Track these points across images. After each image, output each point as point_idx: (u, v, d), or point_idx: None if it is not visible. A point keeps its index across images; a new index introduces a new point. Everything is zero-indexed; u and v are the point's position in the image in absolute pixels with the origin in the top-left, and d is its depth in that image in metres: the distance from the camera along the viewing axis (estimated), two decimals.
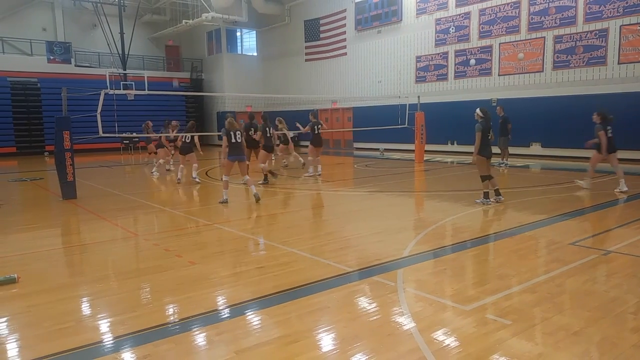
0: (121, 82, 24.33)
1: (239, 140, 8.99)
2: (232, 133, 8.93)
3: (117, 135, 16.55)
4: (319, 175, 12.85)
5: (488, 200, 8.38)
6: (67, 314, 3.97)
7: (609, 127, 9.39)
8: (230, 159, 9.04)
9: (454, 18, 19.71)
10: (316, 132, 12.81)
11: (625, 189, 9.32)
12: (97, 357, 3.23)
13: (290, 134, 14.59)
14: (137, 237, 6.81)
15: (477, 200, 8.52)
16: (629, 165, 14.17)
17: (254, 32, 30.54)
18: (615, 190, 9.46)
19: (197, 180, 12.09)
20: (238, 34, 31.03)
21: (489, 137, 8.36)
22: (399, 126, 17.91)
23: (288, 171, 14.38)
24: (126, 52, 26.35)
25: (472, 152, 8.49)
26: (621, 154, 15.06)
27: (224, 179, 9.18)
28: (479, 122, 8.27)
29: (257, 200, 8.96)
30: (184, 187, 11.85)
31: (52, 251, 6.17)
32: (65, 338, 3.49)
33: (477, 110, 8.41)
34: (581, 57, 16.19)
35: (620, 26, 15.18)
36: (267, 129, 11.51)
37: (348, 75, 24.68)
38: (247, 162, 9.65)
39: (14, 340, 3.52)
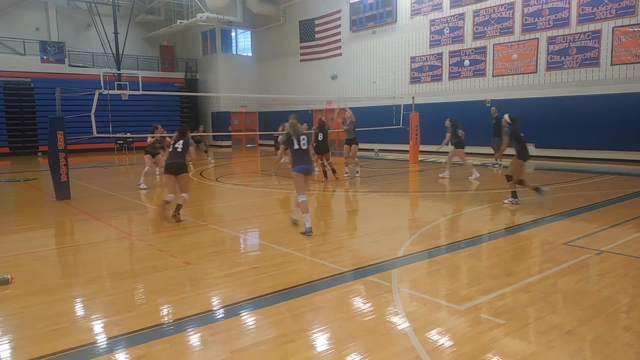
0: (115, 82, 24.24)
1: (304, 147, 6.83)
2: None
3: (111, 135, 16.47)
4: (358, 174, 12.86)
5: (516, 200, 8.55)
6: (61, 314, 3.95)
7: (458, 130, 11.95)
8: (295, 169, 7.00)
9: (449, 19, 19.79)
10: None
11: (474, 177, 11.86)
12: (92, 358, 3.22)
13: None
14: (131, 238, 6.79)
15: (506, 201, 8.65)
16: (621, 166, 14.28)
17: (249, 32, 30.52)
18: (468, 178, 11.91)
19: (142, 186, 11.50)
20: (233, 34, 31.00)
21: (524, 140, 8.55)
22: (394, 127, 17.95)
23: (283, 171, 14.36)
24: (120, 52, 26.25)
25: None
26: (613, 155, 15.28)
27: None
28: (507, 127, 8.55)
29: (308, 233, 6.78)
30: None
31: (46, 252, 6.14)
32: (59, 339, 3.48)
33: (505, 116, 8.73)
34: (574, 58, 16.30)
35: (613, 28, 15.29)
36: (321, 132, 11.97)
37: (343, 75, 24.70)
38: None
39: (7, 341, 3.50)
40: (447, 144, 12.25)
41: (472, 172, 12.03)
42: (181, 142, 7.76)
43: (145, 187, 11.37)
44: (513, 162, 8.60)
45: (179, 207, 7.55)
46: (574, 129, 16.28)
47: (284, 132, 10.85)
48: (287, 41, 27.57)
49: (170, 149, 7.88)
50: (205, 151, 17.95)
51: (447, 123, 12.21)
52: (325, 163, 12.29)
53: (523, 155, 8.45)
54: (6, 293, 4.47)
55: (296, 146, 6.72)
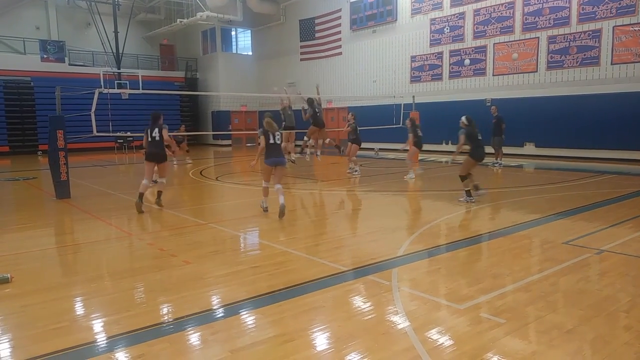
0: (115, 81, 24.22)
1: (278, 142, 7.63)
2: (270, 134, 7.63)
3: (111, 134, 16.46)
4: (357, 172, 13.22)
5: (471, 198, 8.70)
6: (61, 313, 3.95)
7: (417, 129, 12.35)
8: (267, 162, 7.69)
9: (449, 18, 19.78)
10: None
11: (409, 177, 12.15)
12: (91, 357, 3.22)
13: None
14: (131, 237, 6.79)
15: (460, 199, 8.78)
16: (621, 165, 14.27)
17: (249, 31, 30.50)
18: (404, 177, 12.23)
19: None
20: (233, 33, 30.98)
21: (480, 140, 8.70)
22: (394, 126, 17.94)
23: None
24: (120, 51, 26.23)
25: (467, 152, 8.75)
26: (613, 154, 15.28)
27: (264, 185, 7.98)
28: (463, 128, 8.66)
29: (282, 214, 7.53)
30: (177, 187, 11.81)
31: (46, 251, 6.14)
32: (59, 338, 3.48)
33: (463, 118, 8.83)
34: (575, 58, 16.29)
35: (613, 27, 15.28)
36: (316, 110, 13.01)
37: (343, 74, 24.69)
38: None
39: (7, 340, 3.50)
40: (412, 144, 12.42)
41: (409, 172, 12.33)
42: (157, 130, 8.36)
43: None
44: (465, 160, 8.78)
45: (160, 193, 8.63)
46: (574, 128, 16.28)
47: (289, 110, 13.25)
48: (287, 40, 27.55)
49: (149, 139, 8.37)
50: (187, 151, 17.92)
51: (407, 123, 12.50)
52: (326, 141, 13.19)
53: (475, 154, 8.63)
54: (6, 292, 4.46)
55: (271, 140, 7.57)
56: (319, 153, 13.85)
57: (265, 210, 7.90)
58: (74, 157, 13.34)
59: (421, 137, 12.47)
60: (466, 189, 8.68)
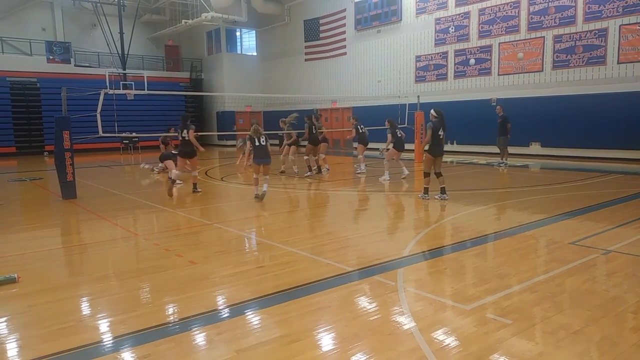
0: (121, 82, 24.33)
1: (263, 144, 9.23)
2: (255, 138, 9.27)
3: (116, 135, 16.52)
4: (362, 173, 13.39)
5: (426, 195, 9.02)
6: (67, 313, 3.97)
7: (397, 130, 12.15)
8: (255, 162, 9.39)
9: (454, 18, 19.73)
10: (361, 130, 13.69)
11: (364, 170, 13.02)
12: (98, 356, 3.23)
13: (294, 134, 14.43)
14: (137, 237, 6.81)
15: (419, 196, 9.17)
16: (628, 165, 14.19)
17: (254, 31, 30.54)
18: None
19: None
20: (237, 33, 31.03)
21: (440, 137, 8.84)
22: (399, 126, 17.87)
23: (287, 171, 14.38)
24: (126, 52, 26.35)
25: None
26: (620, 154, 15.19)
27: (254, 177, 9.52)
28: (431, 121, 8.80)
29: (261, 198, 9.19)
30: (182, 187, 11.82)
31: (52, 251, 6.17)
32: (66, 338, 3.49)
33: (432, 110, 8.98)
34: (581, 57, 16.21)
35: (620, 26, 15.19)
36: (313, 126, 12.95)
37: (348, 75, 24.69)
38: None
39: (14, 340, 3.52)
40: (391, 144, 12.06)
41: (384, 173, 12.10)
42: (185, 131, 9.92)
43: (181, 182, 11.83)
44: (424, 156, 9.00)
45: (195, 184, 10.39)
46: (580, 128, 16.19)
47: (287, 127, 13.97)
48: (291, 40, 27.58)
49: (180, 138, 10.01)
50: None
51: (386, 123, 12.28)
52: (318, 157, 13.17)
53: (430, 150, 8.81)
54: (13, 292, 4.49)
55: (257, 143, 9.17)
56: (324, 169, 13.52)
57: (257, 197, 9.21)
58: (80, 157, 13.38)
59: (401, 137, 12.10)
60: (425, 186, 8.95)
